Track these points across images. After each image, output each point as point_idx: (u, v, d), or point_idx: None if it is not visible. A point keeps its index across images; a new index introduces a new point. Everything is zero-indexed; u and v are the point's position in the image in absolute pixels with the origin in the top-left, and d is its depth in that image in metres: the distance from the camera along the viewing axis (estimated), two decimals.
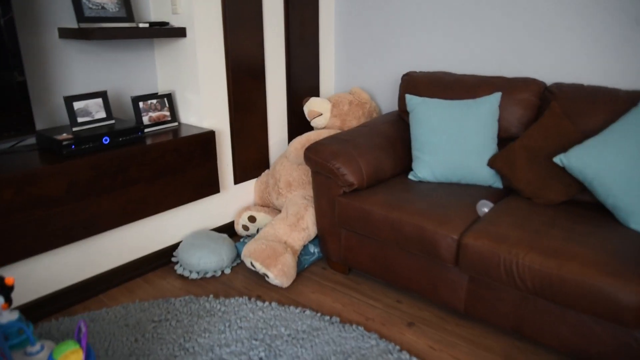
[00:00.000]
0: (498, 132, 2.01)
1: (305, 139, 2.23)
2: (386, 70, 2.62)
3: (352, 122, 2.45)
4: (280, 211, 2.42)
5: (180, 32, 2.06)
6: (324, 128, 2.49)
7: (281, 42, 2.49)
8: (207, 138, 2.09)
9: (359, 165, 1.89)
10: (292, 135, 2.66)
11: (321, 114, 2.47)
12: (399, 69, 2.56)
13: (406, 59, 2.52)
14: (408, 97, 2.08)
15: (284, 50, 2.52)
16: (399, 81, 2.59)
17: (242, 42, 2.24)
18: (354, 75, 2.78)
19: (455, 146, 1.95)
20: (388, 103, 2.68)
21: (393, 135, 2.14)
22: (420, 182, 2.01)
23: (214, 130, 2.13)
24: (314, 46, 2.66)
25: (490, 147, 1.95)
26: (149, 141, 1.93)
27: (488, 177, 1.96)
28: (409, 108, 2.07)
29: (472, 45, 2.27)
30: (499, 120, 2.01)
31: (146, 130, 2.09)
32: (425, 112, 2.00)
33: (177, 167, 2.00)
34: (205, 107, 2.18)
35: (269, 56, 2.43)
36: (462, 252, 1.57)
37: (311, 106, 2.47)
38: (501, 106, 2.00)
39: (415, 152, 2.04)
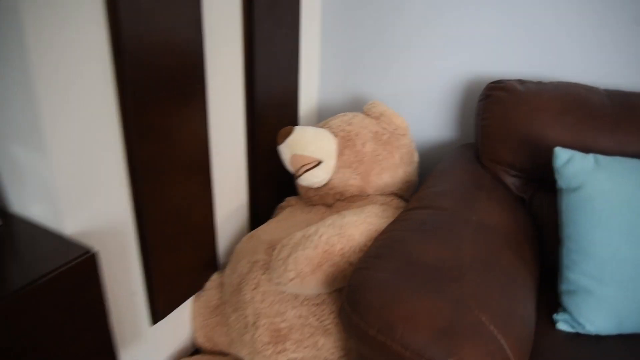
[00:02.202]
0: None
1: (321, 252, 0.96)
2: (413, 72, 1.45)
3: (384, 178, 1.26)
4: None
5: None
6: (324, 186, 1.28)
7: (236, 14, 1.20)
8: (81, 272, 0.78)
9: (505, 354, 0.73)
10: (259, 194, 1.40)
11: (319, 163, 1.25)
12: (439, 69, 1.41)
13: (452, 53, 1.37)
14: (562, 153, 0.93)
15: (240, 31, 1.23)
16: (446, 90, 1.43)
17: (153, 14, 0.92)
18: (349, 79, 1.57)
19: None
20: (415, 130, 1.52)
21: (511, 223, 1.00)
22: (587, 337, 0.91)
23: (92, 251, 0.82)
24: (292, 23, 1.40)
25: None
26: None
27: None
28: (565, 181, 0.92)
29: (580, 39, 1.18)
30: None
31: None
32: (612, 191, 0.88)
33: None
34: (66, 179, 0.86)
35: (213, 43, 1.14)
36: None
37: (297, 147, 1.25)
38: None
39: (578, 277, 0.91)
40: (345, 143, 1.25)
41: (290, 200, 1.42)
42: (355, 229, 0.99)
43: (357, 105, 1.59)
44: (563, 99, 1.08)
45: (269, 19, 1.28)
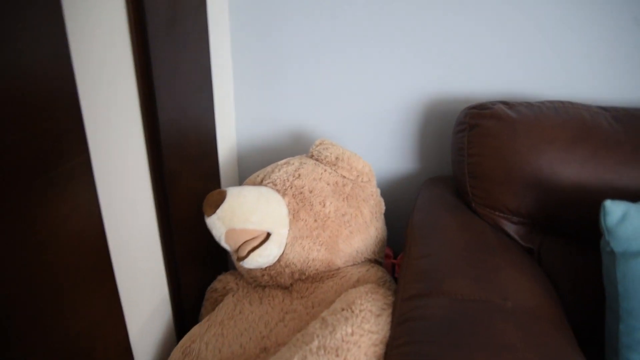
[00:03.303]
0: None
1: None
2: (356, 94, 1.18)
3: (355, 243, 0.96)
4: None
5: None
6: (275, 263, 0.95)
7: (122, 38, 0.81)
8: None
9: None
10: (182, 280, 1.02)
11: (268, 236, 0.92)
12: (390, 88, 1.15)
13: (404, 68, 1.13)
14: (614, 208, 0.70)
15: (131, 57, 0.84)
16: (400, 114, 1.18)
17: None
18: (274, 108, 1.25)
19: None
20: None
21: (545, 298, 0.77)
22: None
23: None
24: (199, 42, 1.03)
25: None
26: None
27: None
28: (622, 244, 0.70)
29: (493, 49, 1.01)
30: None
31: None
32: None
33: None
34: None
35: (92, 88, 0.74)
36: None
37: (234, 219, 0.90)
38: None
39: None
40: (299, 204, 0.93)
41: (228, 280, 1.06)
42: (357, 349, 0.68)
43: (292, 144, 1.27)
44: (569, 125, 0.88)
45: (169, 41, 0.91)
